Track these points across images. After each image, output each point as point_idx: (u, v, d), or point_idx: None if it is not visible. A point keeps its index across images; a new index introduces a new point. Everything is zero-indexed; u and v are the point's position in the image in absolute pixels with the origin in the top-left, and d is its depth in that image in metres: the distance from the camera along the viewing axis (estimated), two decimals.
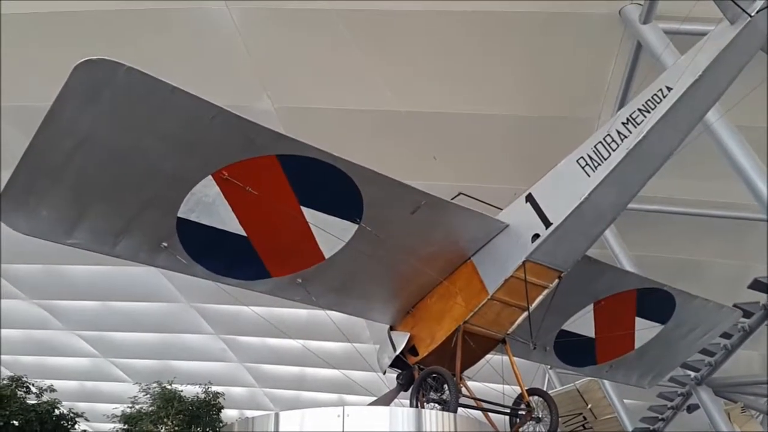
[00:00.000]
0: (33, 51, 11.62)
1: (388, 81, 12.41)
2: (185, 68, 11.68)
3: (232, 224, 6.28)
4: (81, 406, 24.34)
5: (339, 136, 12.58)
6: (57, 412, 21.37)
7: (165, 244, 6.27)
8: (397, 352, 7.56)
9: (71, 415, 22.03)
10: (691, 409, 15.12)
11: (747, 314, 11.61)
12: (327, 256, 6.78)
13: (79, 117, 5.27)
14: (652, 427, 16.68)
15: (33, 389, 21.41)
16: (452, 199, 7.09)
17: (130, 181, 5.81)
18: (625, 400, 18.45)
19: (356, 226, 6.60)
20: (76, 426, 22.14)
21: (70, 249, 6.20)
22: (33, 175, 5.55)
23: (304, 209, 6.41)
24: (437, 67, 12.55)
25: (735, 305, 9.68)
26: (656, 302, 8.39)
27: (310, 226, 6.50)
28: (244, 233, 6.37)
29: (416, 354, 7.52)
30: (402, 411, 5.34)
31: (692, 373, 13.83)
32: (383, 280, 7.46)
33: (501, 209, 7.43)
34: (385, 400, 7.56)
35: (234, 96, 11.90)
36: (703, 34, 6.33)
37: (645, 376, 9.55)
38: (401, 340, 7.58)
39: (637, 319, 8.48)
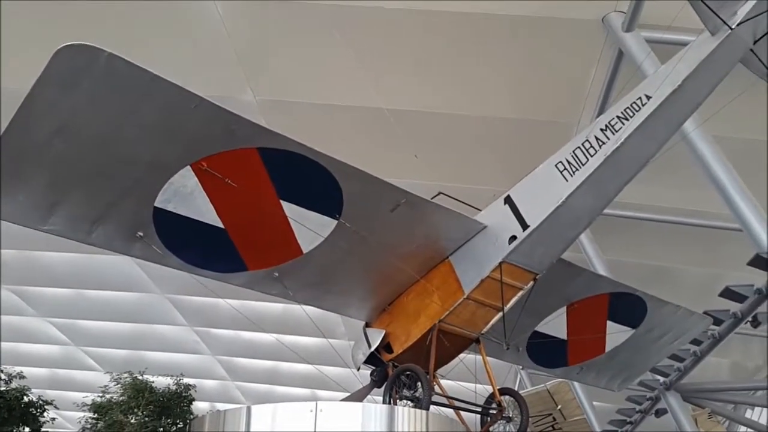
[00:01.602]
0: (15, 34, 11.45)
1: (372, 78, 12.42)
2: (168, 58, 11.60)
3: (209, 216, 6.24)
4: (50, 393, 24.09)
5: (320, 131, 12.54)
6: (26, 399, 21.13)
7: (140, 233, 6.22)
8: (372, 349, 7.58)
9: (40, 402, 21.80)
10: (659, 413, 15.32)
11: (717, 321, 11.77)
12: (305, 251, 6.77)
13: (59, 102, 5.21)
14: (620, 430, 16.86)
15: (2, 375, 21.16)
16: (432, 198, 7.12)
17: (108, 169, 5.75)
18: (594, 402, 18.68)
19: (335, 222, 6.60)
20: (45, 414, 21.92)
21: (44, 235, 6.13)
22: (10, 160, 5.47)
23: (283, 203, 6.39)
24: (422, 67, 12.59)
25: (706, 312, 9.82)
26: (628, 307, 8.49)
27: (289, 220, 6.48)
28: (221, 225, 6.34)
29: (391, 351, 7.55)
30: (375, 407, 5.36)
31: (661, 378, 14.00)
32: (361, 277, 7.47)
33: (480, 210, 7.48)
34: (358, 397, 7.59)
35: (217, 87, 11.86)
36: (684, 43, 6.41)
37: (615, 379, 9.67)
38: (376, 337, 7.60)
39: (609, 323, 8.57)
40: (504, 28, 11.71)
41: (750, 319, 11.60)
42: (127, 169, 5.80)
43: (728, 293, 11.15)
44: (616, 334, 8.66)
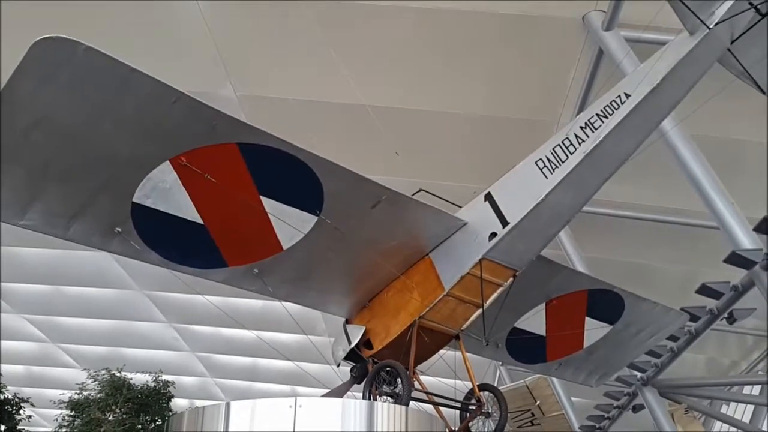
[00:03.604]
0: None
1: (353, 74, 12.39)
2: (148, 52, 11.50)
3: (188, 211, 6.20)
4: (27, 391, 23.85)
5: (301, 127, 12.53)
6: (1, 396, 20.88)
7: (119, 229, 6.17)
8: (352, 345, 7.58)
9: (16, 400, 21.58)
10: (636, 408, 15.46)
11: (694, 318, 11.90)
12: (285, 247, 6.74)
13: (35, 96, 5.15)
14: (598, 426, 17.03)
15: None
16: (413, 195, 7.12)
17: (86, 163, 5.69)
18: (572, 398, 18.84)
19: (316, 218, 6.59)
20: (21, 411, 21.68)
21: (21, 230, 6.06)
22: None
23: (263, 199, 6.36)
24: (403, 64, 12.60)
25: (682, 309, 9.94)
26: (606, 303, 8.57)
27: (269, 216, 6.45)
28: (201, 221, 6.30)
29: (371, 347, 7.56)
30: (354, 403, 5.34)
31: (639, 374, 14.14)
32: (341, 273, 7.46)
33: (460, 207, 7.50)
34: (338, 393, 7.59)
35: (196, 82, 11.78)
36: (663, 43, 6.46)
37: (593, 375, 9.75)
38: (356, 334, 7.61)
39: (587, 319, 8.64)
40: (485, 27, 11.75)
41: (726, 315, 11.75)
42: (104, 164, 5.74)
43: (705, 290, 11.28)
44: (594, 330, 8.73)
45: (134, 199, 6.00)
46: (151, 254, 6.49)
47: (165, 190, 5.99)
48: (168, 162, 5.85)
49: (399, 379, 6.76)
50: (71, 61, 5.02)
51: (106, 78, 5.21)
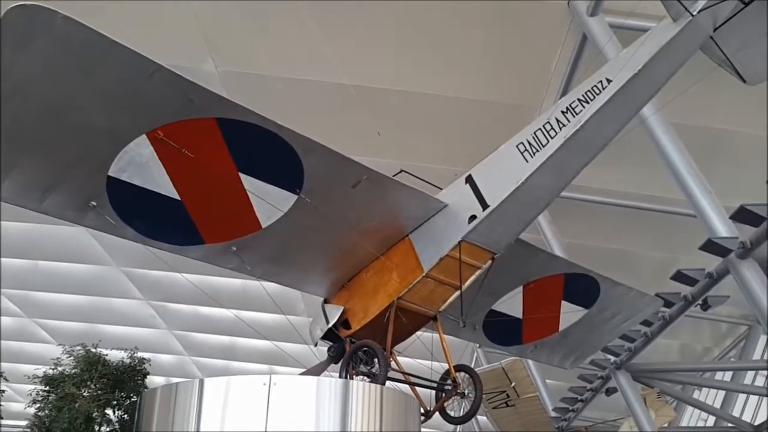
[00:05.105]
0: None
1: (338, 54, 12.30)
2: (128, 24, 11.30)
3: (165, 186, 6.11)
4: (1, 365, 23.57)
5: (283, 104, 12.43)
6: None
7: (94, 203, 6.06)
8: (330, 325, 7.57)
9: None
10: (609, 392, 15.68)
11: (668, 304, 12.04)
12: (264, 225, 6.68)
13: (9, 65, 5.01)
14: (571, 408, 17.28)
15: None
16: (394, 176, 7.08)
17: (60, 135, 5.58)
18: (547, 380, 19.07)
19: (296, 197, 6.53)
20: None
21: None
22: None
23: (242, 176, 6.29)
24: (387, 45, 12.52)
25: (657, 295, 10.04)
26: (582, 287, 8.61)
27: (248, 193, 6.39)
28: (177, 197, 6.21)
29: (349, 327, 7.55)
30: (329, 381, 5.34)
31: (612, 358, 14.32)
32: (320, 253, 7.43)
33: (441, 189, 7.49)
34: (314, 372, 7.59)
35: (177, 56, 11.56)
36: (646, 29, 6.47)
37: (567, 358, 9.83)
38: (334, 313, 7.59)
39: (563, 303, 8.69)
40: (470, 10, 11.69)
41: (700, 302, 11.90)
42: (79, 136, 5.62)
43: (680, 277, 11.40)
44: (569, 313, 8.79)
45: (110, 173, 5.90)
46: (127, 229, 6.40)
47: (141, 165, 5.89)
48: (144, 135, 5.74)
49: (376, 359, 6.78)
50: (48, 31, 4.90)
51: (83, 49, 5.10)
